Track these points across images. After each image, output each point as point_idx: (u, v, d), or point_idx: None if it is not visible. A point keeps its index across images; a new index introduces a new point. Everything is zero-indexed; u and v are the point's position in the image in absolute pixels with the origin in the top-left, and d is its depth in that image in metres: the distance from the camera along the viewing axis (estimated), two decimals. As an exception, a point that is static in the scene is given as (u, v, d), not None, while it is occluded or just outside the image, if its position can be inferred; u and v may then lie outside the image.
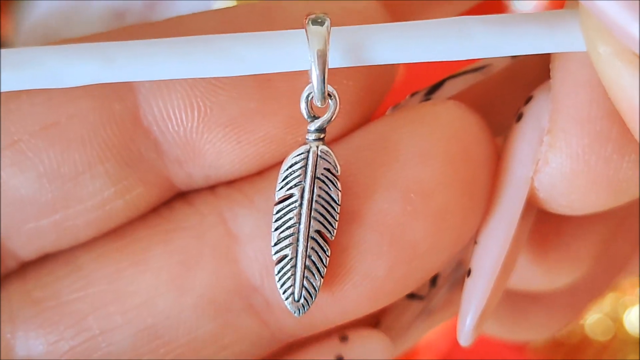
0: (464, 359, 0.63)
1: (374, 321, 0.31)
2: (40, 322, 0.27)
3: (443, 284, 0.31)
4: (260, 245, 0.26)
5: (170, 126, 0.26)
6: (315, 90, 0.24)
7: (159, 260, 0.27)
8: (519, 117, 0.27)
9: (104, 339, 0.27)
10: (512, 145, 0.27)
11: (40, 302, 0.27)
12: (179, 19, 0.27)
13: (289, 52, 0.24)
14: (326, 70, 0.24)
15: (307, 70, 0.25)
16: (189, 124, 0.26)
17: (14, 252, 0.27)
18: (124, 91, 0.26)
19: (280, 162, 0.26)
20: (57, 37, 0.70)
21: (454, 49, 0.24)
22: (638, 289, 0.64)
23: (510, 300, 0.34)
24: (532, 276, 0.32)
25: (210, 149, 0.26)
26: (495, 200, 0.27)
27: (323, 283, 0.26)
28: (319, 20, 0.24)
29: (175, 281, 0.26)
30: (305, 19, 0.24)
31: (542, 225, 0.30)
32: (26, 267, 0.28)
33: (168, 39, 0.24)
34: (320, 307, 0.26)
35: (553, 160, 0.26)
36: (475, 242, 0.28)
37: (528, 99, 0.27)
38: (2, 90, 0.24)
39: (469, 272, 0.28)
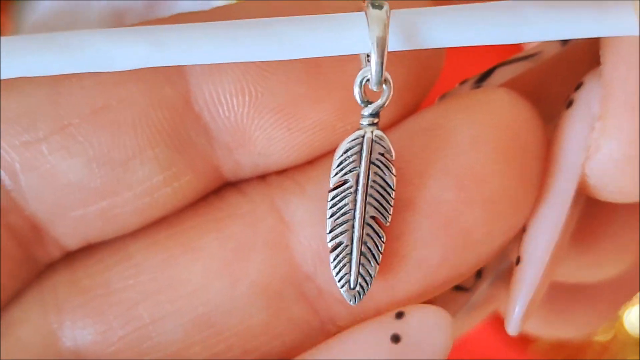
0: (464, 358, 0.63)
1: None
2: (89, 311, 0.26)
3: (488, 276, 0.30)
4: (312, 232, 0.26)
5: (221, 111, 0.26)
6: (374, 75, 0.24)
7: (210, 248, 0.26)
8: (570, 104, 0.27)
9: (154, 328, 0.26)
10: (563, 132, 0.27)
11: (88, 290, 0.26)
12: (226, 8, 0.27)
13: (345, 35, 0.24)
14: (385, 55, 0.24)
15: (356, 55, 0.25)
16: (240, 109, 0.26)
17: (58, 240, 0.27)
18: (175, 75, 0.25)
19: (331, 151, 0.26)
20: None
21: (508, 33, 0.24)
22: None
23: (551, 295, 0.33)
24: (579, 266, 0.32)
25: (261, 135, 0.26)
26: (545, 187, 0.27)
27: (377, 271, 0.25)
28: (378, 4, 0.24)
29: (227, 269, 0.26)
30: (364, 1, 0.24)
31: (591, 214, 0.30)
32: (73, 256, 0.27)
33: (219, 22, 0.24)
34: (372, 295, 0.26)
35: (605, 146, 0.25)
36: (525, 230, 0.27)
37: (578, 85, 0.27)
38: (51, 73, 0.23)
39: (517, 260, 0.27)
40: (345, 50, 0.24)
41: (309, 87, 0.25)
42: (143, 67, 0.24)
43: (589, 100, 0.26)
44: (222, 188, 0.27)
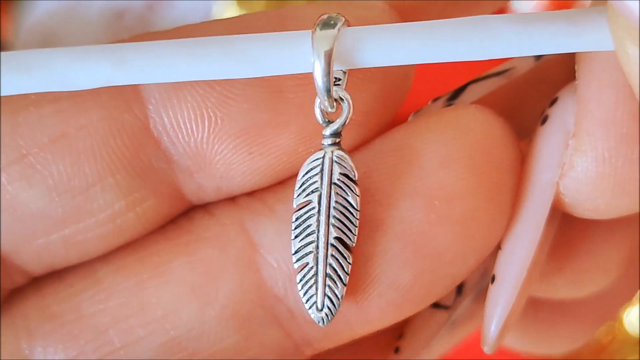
0: (463, 358, 0.62)
1: (397, 333, 0.30)
2: (60, 337, 0.26)
3: (469, 293, 0.30)
4: (282, 254, 0.26)
5: (180, 137, 0.25)
6: (320, 94, 0.24)
7: (180, 272, 0.26)
8: (544, 120, 0.26)
9: (126, 352, 0.26)
10: (537, 148, 0.26)
11: (59, 316, 0.26)
12: (189, 27, 0.26)
13: (303, 52, 0.24)
14: (331, 73, 0.23)
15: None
16: (200, 135, 0.25)
17: (23, 268, 0.27)
18: (133, 101, 0.25)
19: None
20: (57, 37, 0.69)
21: (477, 49, 0.24)
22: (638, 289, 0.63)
23: (535, 312, 0.33)
24: (560, 284, 0.31)
25: (221, 160, 0.26)
26: (520, 204, 0.27)
27: (347, 292, 0.25)
28: (332, 22, 0.23)
29: (197, 292, 0.26)
30: (317, 20, 0.24)
31: (570, 231, 0.30)
32: (43, 282, 0.27)
33: (180, 39, 0.24)
34: (344, 317, 0.26)
35: (579, 164, 0.25)
36: (500, 248, 0.27)
37: (553, 101, 0.26)
38: (10, 93, 0.23)
39: (493, 279, 0.27)
40: (303, 69, 0.24)
41: (271, 111, 0.25)
42: (105, 85, 0.24)
43: (564, 116, 0.26)
44: (191, 210, 0.27)
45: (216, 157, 0.26)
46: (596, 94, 0.25)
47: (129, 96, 0.25)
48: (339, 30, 0.23)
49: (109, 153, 0.25)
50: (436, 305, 0.30)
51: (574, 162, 0.25)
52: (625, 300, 0.36)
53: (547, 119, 0.26)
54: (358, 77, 0.25)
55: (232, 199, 0.27)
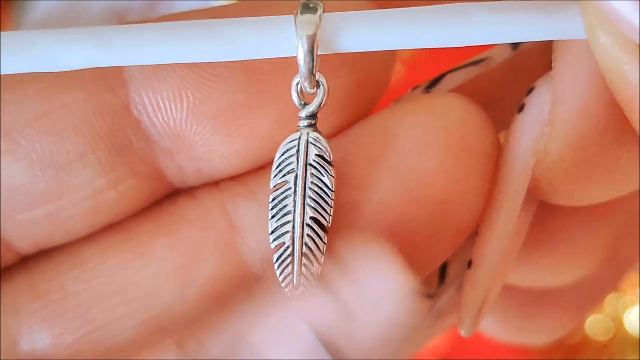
0: (463, 359, 0.63)
1: None
2: (45, 315, 0.27)
3: (452, 281, 0.30)
4: (262, 236, 0.26)
5: (160, 117, 0.26)
6: (303, 75, 0.24)
7: (162, 252, 0.27)
8: (521, 108, 0.27)
9: (107, 331, 0.27)
10: (514, 136, 0.27)
11: (45, 294, 0.27)
12: (175, 16, 0.27)
13: (285, 37, 0.24)
14: (315, 55, 0.24)
15: (296, 62, 0.25)
16: (179, 115, 0.26)
17: (11, 244, 0.27)
18: (115, 82, 0.26)
19: None
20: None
21: (452, 35, 0.24)
22: (638, 289, 0.63)
23: (517, 302, 0.34)
24: (540, 272, 0.32)
25: (200, 140, 0.26)
26: (497, 191, 0.27)
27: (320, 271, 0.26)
28: (311, 6, 0.24)
29: (178, 272, 0.27)
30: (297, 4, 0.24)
31: (550, 219, 0.30)
32: (31, 262, 0.28)
33: (164, 22, 0.25)
34: None
35: (553, 150, 0.26)
36: (477, 233, 0.27)
37: (530, 90, 0.27)
38: None
39: (469, 263, 0.28)
40: (285, 52, 0.24)
41: (248, 94, 0.26)
42: (88, 67, 0.24)
43: (540, 104, 0.26)
44: (175, 193, 0.28)
45: (195, 137, 0.26)
46: (570, 83, 0.25)
47: (110, 76, 0.26)
48: (320, 16, 0.24)
49: (90, 131, 0.26)
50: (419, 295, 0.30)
51: (549, 149, 0.26)
52: (607, 289, 0.36)
53: (523, 107, 0.27)
54: (335, 63, 0.25)
55: (214, 183, 0.27)
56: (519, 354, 0.64)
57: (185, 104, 0.26)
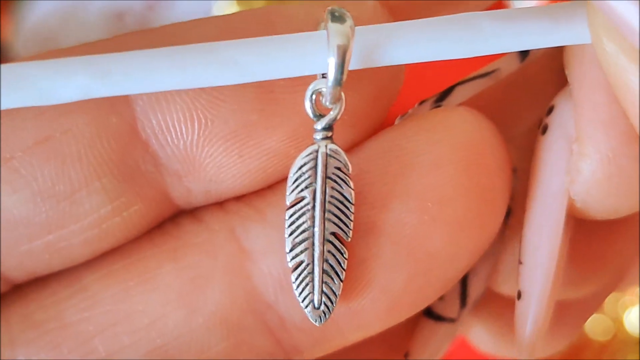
0: (463, 359, 0.62)
1: (403, 351, 0.30)
2: (43, 345, 0.26)
3: (473, 303, 0.30)
4: (273, 260, 0.25)
5: (169, 139, 0.25)
6: (331, 89, 0.23)
7: (167, 278, 0.26)
8: (544, 129, 0.26)
9: None
10: (542, 159, 0.26)
11: (42, 324, 0.26)
12: (177, 25, 0.26)
13: (297, 56, 0.23)
14: (346, 68, 0.23)
15: (311, 77, 0.24)
16: (189, 137, 0.25)
17: (5, 275, 0.26)
18: (120, 104, 0.25)
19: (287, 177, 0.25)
20: (56, 37, 0.69)
21: (466, 46, 0.24)
22: (638, 289, 0.64)
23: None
24: (565, 286, 0.32)
25: (211, 162, 0.25)
26: (535, 216, 0.27)
27: (340, 296, 0.25)
28: (338, 15, 0.23)
29: (185, 299, 0.26)
30: (324, 13, 0.23)
31: (575, 235, 0.29)
32: (26, 289, 0.27)
33: (166, 48, 0.23)
34: (336, 322, 0.26)
35: (585, 168, 0.25)
36: (521, 262, 0.27)
37: (550, 109, 0.26)
38: None
39: (519, 295, 0.27)
40: (298, 72, 0.24)
41: (262, 113, 0.25)
42: (85, 98, 0.23)
43: (563, 122, 0.26)
44: (178, 216, 0.27)
45: (206, 160, 0.25)
46: (589, 96, 0.25)
47: (115, 99, 0.25)
48: (352, 26, 0.23)
49: (95, 156, 0.25)
50: (441, 319, 0.30)
51: (580, 167, 0.25)
52: (600, 303, 0.36)
53: (547, 128, 0.26)
54: (350, 76, 0.24)
55: (220, 204, 0.27)
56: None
57: (196, 125, 0.25)
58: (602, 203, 0.26)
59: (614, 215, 0.26)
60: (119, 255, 0.26)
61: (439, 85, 0.28)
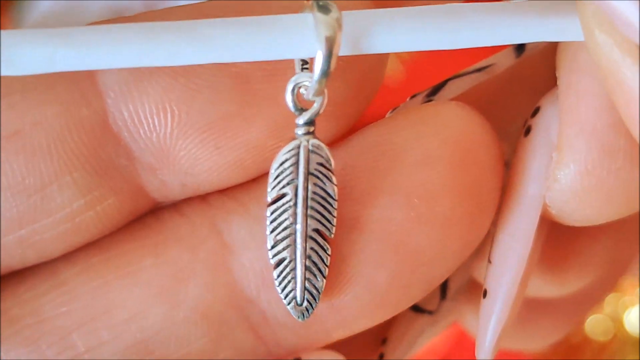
0: (464, 358, 0.63)
1: (380, 338, 0.30)
2: (20, 341, 0.25)
3: (453, 296, 0.30)
4: (255, 254, 0.25)
5: (142, 132, 0.24)
6: (317, 81, 0.23)
7: (148, 273, 0.25)
8: (527, 131, 0.26)
9: (91, 356, 0.25)
10: (522, 161, 0.26)
11: (19, 320, 0.25)
12: (153, 13, 0.25)
13: (286, 39, 0.23)
14: (334, 60, 0.22)
15: (289, 68, 0.24)
16: (162, 130, 0.24)
17: None
18: (91, 95, 0.24)
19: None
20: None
21: (452, 37, 0.23)
22: (638, 289, 0.64)
23: None
24: (544, 283, 0.31)
25: (186, 155, 0.25)
26: (508, 218, 0.26)
27: (323, 293, 0.24)
28: (323, 4, 0.22)
29: (166, 294, 0.25)
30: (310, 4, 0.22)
31: (556, 233, 0.29)
32: (2, 285, 0.26)
33: (142, 23, 0.22)
34: (319, 318, 0.25)
35: (562, 177, 0.25)
36: (490, 262, 0.27)
37: (535, 111, 0.26)
38: None
39: (485, 293, 0.27)
40: (286, 54, 0.23)
41: (238, 104, 0.24)
42: (51, 71, 0.22)
43: (547, 127, 0.25)
44: (161, 209, 0.26)
45: (180, 152, 0.25)
46: (575, 106, 0.24)
47: (86, 90, 0.24)
48: (339, 15, 0.22)
49: (65, 150, 0.24)
50: (420, 310, 0.30)
51: (558, 176, 0.25)
52: (599, 297, 0.35)
53: (530, 130, 0.26)
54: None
55: (203, 197, 0.26)
56: (518, 354, 0.64)
57: (169, 118, 0.24)
58: (578, 213, 0.25)
59: (591, 223, 0.26)
60: (98, 249, 0.26)
61: (435, 79, 0.28)
